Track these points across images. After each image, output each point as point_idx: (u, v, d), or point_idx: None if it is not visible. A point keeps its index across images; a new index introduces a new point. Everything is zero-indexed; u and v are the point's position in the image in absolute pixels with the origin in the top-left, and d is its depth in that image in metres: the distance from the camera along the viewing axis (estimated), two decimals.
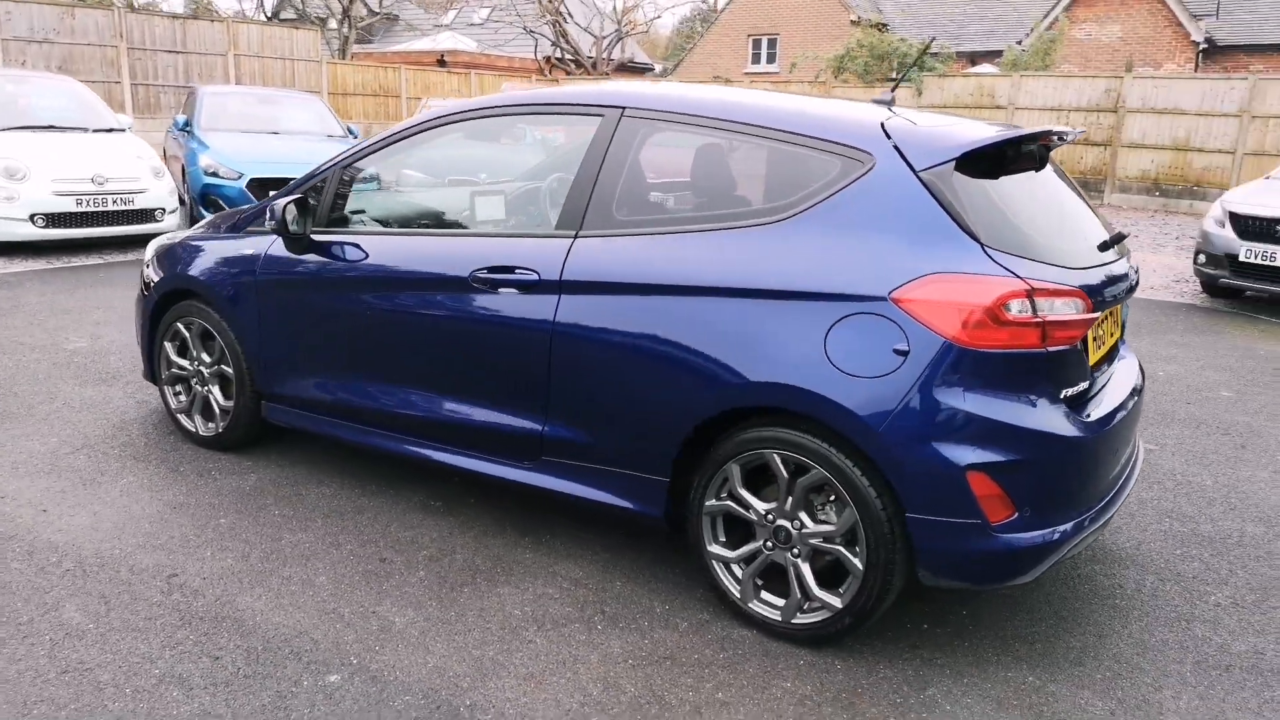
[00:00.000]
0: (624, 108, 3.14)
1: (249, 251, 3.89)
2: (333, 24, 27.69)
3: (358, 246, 3.58)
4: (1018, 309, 2.50)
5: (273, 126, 11.35)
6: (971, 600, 3.12)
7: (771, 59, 32.15)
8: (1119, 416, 2.87)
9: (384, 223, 3.81)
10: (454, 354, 3.35)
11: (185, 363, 4.22)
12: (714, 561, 2.94)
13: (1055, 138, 2.98)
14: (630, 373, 2.95)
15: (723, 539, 2.94)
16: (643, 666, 2.70)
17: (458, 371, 3.36)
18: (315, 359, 3.75)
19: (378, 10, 28.14)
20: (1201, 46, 26.08)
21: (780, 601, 2.85)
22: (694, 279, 2.85)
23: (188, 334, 4.15)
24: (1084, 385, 2.78)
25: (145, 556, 3.23)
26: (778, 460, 2.74)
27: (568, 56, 29.45)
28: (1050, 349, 2.57)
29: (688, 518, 2.97)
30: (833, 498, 2.71)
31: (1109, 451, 2.81)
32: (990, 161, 2.77)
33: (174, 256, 4.20)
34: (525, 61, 30.77)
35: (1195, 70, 25.38)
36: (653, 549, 3.39)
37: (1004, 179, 2.82)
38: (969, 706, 2.57)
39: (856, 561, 2.67)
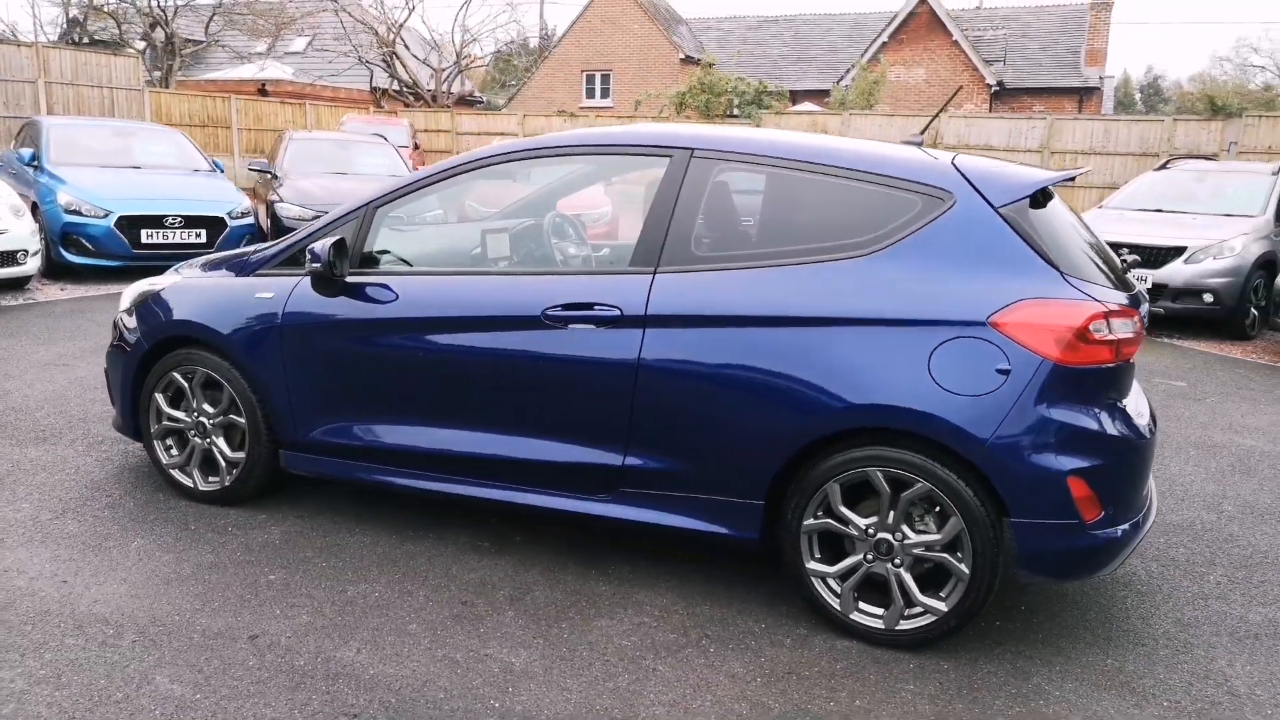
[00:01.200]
0: (693, 149, 3.28)
1: (266, 294, 3.74)
2: (139, 45, 26.00)
3: (404, 287, 3.53)
4: (1098, 329, 2.81)
5: (132, 160, 10.67)
6: (1025, 596, 3.41)
7: (606, 94, 32.87)
8: (1148, 424, 3.24)
9: (428, 262, 3.76)
10: (522, 391, 3.36)
11: (181, 414, 3.97)
12: (813, 578, 3.09)
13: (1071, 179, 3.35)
14: (724, 403, 3.08)
15: (818, 555, 3.10)
16: (773, 683, 2.82)
17: (526, 409, 3.37)
18: (354, 403, 3.65)
19: (203, 37, 26.70)
20: (994, 89, 28.76)
21: (879, 610, 3.03)
22: (785, 310, 3.01)
23: (186, 384, 3.91)
24: (1127, 397, 3.13)
25: (211, 620, 3.05)
26: (880, 477, 2.93)
27: (406, 89, 28.97)
28: (1118, 364, 2.90)
29: (784, 537, 3.11)
30: (937, 508, 2.92)
31: (1151, 455, 3.17)
32: (1037, 198, 3.10)
33: (164, 303, 3.96)
34: (354, 92, 30.02)
35: (990, 110, 27.97)
36: (720, 571, 3.50)
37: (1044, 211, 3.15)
38: (1073, 690, 2.84)
39: (962, 566, 2.89)
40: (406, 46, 29.27)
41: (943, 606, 2.94)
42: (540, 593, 3.32)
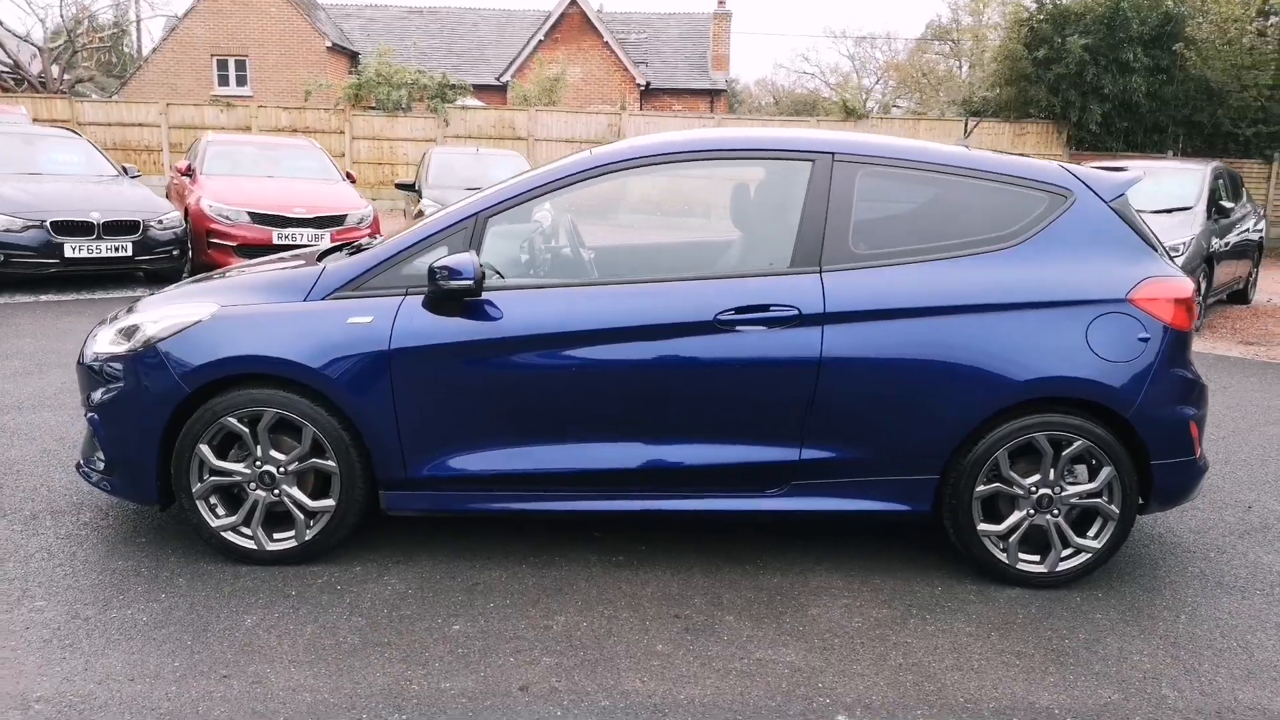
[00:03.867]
0: (834, 153, 3.47)
1: (363, 319, 3.32)
2: None
3: (543, 300, 3.34)
4: (1191, 300, 3.46)
5: (31, 168, 9.67)
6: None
7: (242, 81, 30.24)
8: None
9: (546, 273, 3.54)
10: (690, 397, 3.35)
11: (237, 466, 3.39)
12: (985, 538, 3.45)
13: None
14: (907, 389, 3.34)
15: (981, 516, 3.47)
16: (1010, 632, 3.15)
17: (694, 414, 3.37)
18: (483, 429, 3.38)
19: None
20: (642, 88, 30.75)
21: (1037, 558, 3.47)
22: (953, 300, 3.34)
23: (247, 429, 3.34)
24: None
25: (463, 682, 2.74)
26: (1043, 440, 3.37)
27: (4, 71, 24.53)
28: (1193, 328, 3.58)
29: (955, 506, 3.43)
30: (1093, 460, 3.41)
31: None
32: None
33: (211, 337, 3.34)
34: None
35: (640, 108, 29.89)
36: (856, 548, 3.73)
37: None
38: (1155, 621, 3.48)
39: (1112, 507, 3.42)
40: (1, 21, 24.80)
41: (1096, 544, 3.45)
42: (732, 595, 3.35)
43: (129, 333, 3.48)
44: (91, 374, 3.54)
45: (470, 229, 3.40)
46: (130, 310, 3.76)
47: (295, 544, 3.43)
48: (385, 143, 21.33)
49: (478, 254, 3.35)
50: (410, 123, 21.32)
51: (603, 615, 3.17)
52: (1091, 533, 3.47)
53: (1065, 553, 3.46)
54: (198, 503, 3.41)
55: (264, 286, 3.52)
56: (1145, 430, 3.38)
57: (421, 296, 3.34)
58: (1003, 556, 3.47)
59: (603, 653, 2.93)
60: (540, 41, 29.76)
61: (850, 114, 21.04)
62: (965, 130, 20.26)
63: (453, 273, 3.20)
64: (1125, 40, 19.22)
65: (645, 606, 3.24)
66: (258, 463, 3.39)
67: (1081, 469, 3.48)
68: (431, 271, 3.24)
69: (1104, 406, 3.36)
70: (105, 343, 3.54)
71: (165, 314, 3.47)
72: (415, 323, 3.32)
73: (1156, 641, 3.13)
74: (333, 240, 10.45)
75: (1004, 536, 3.46)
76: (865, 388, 3.34)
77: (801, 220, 3.42)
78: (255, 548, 3.43)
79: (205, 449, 3.37)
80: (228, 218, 9.90)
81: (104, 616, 3.04)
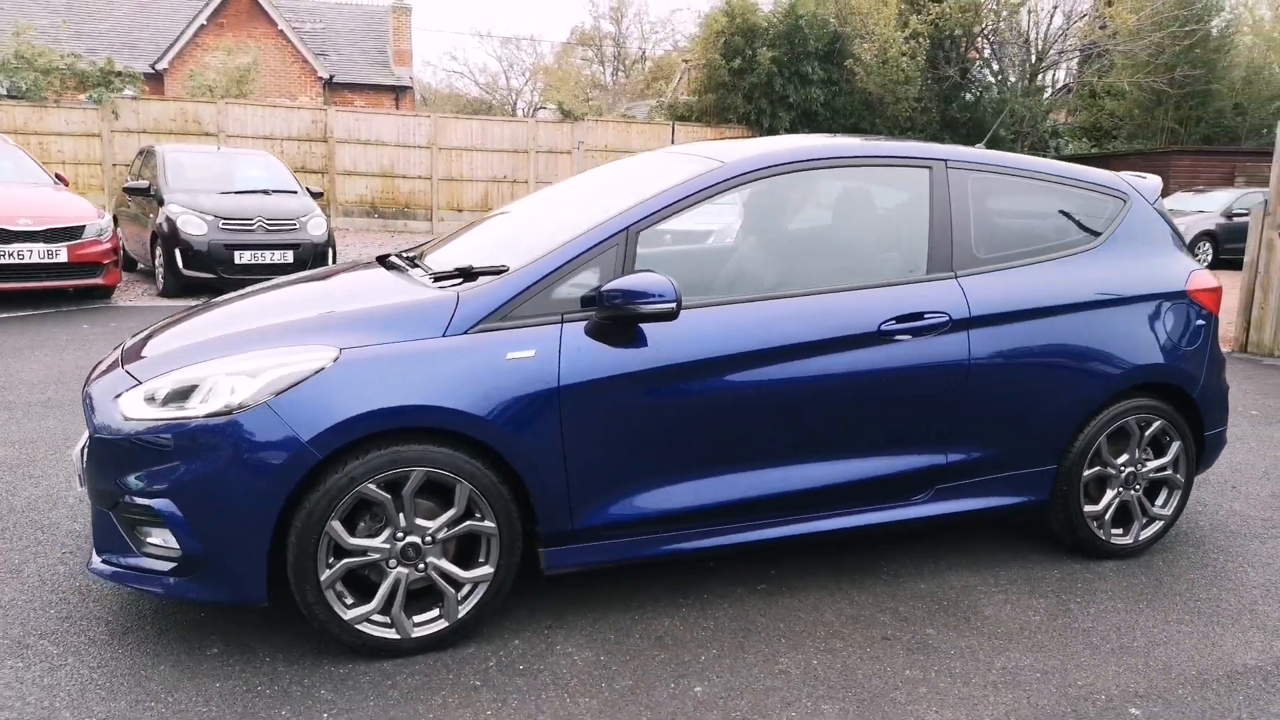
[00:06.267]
0: (946, 160, 3.53)
1: (524, 353, 2.85)
2: None
3: (714, 319, 3.08)
4: (1220, 290, 3.96)
5: None
6: None
7: None
8: None
9: (721, 288, 3.26)
10: (855, 412, 3.27)
11: (374, 541, 2.77)
12: (1088, 519, 3.70)
13: None
14: (1033, 387, 3.50)
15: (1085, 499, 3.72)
16: (1156, 602, 3.41)
17: (858, 429, 3.29)
18: (659, 465, 3.05)
19: None
20: (325, 81, 28.89)
21: (1121, 530, 3.79)
22: (1065, 299, 3.56)
23: (388, 495, 2.74)
24: None
25: None
26: (1133, 422, 3.69)
27: None
28: None
29: (1068, 492, 3.64)
30: (1166, 437, 3.78)
31: None
32: None
33: (340, 389, 2.68)
34: None
35: (324, 103, 28.05)
36: (949, 546, 3.84)
37: None
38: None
39: (1179, 477, 3.82)
40: None
41: (1166, 512, 3.84)
42: (909, 608, 3.31)
43: (183, 394, 2.71)
44: (131, 448, 2.71)
45: (622, 245, 3.04)
46: (146, 358, 2.94)
47: (446, 625, 2.87)
48: (34, 138, 18.10)
49: (628, 271, 3.01)
50: (65, 115, 18.28)
51: (818, 649, 2.99)
52: (1160, 502, 3.85)
53: (1144, 523, 3.81)
54: (327, 594, 2.74)
55: (379, 322, 2.88)
56: (1204, 406, 3.81)
57: (583, 322, 2.93)
58: (1100, 534, 3.74)
59: (870, 690, 2.77)
60: (203, 26, 26.84)
61: (567, 115, 21.26)
62: (672, 138, 21.33)
63: (646, 296, 2.83)
64: (804, 55, 21.30)
65: (846, 633, 3.11)
66: (400, 534, 2.79)
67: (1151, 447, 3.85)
68: (610, 295, 2.85)
69: (1178, 388, 3.74)
70: (148, 407, 2.72)
71: (267, 364, 2.72)
72: (583, 353, 2.91)
73: None
74: (72, 257, 8.83)
75: (1099, 515, 3.73)
76: (1004, 388, 3.45)
77: (932, 226, 3.45)
78: (398, 637, 2.82)
79: (338, 525, 2.71)
80: None
81: None
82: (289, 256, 10.33)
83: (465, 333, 2.86)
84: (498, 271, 3.03)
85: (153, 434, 2.69)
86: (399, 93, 31.24)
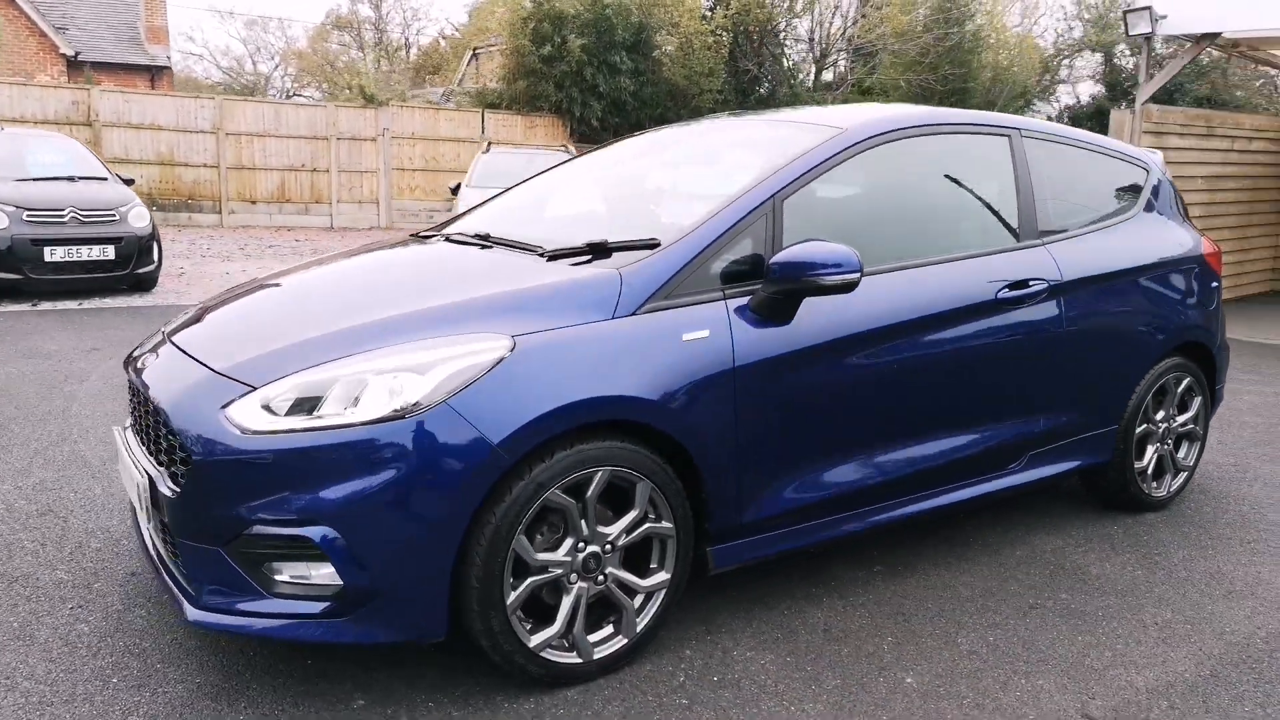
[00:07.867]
0: (1019, 129, 3.55)
1: (699, 333, 2.57)
2: None
3: (877, 286, 2.92)
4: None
5: None
6: None
7: None
8: None
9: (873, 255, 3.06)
10: (979, 382, 3.23)
11: (557, 555, 2.40)
12: (1139, 476, 3.86)
13: None
14: (1108, 350, 3.60)
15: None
16: (1210, 559, 3.60)
17: (978, 399, 3.25)
18: (819, 448, 2.86)
19: None
20: (69, 59, 25.79)
21: (1157, 483, 3.99)
22: (1127, 263, 3.68)
23: (572, 502, 2.38)
24: None
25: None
26: (1172, 380, 3.89)
27: None
28: None
29: (1124, 450, 3.76)
30: (1197, 396, 4.00)
31: None
32: None
33: (525, 382, 2.29)
34: None
35: (68, 80, 25.03)
36: (989, 516, 3.89)
37: None
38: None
39: (1199, 429, 4.07)
40: None
41: (1189, 463, 4.08)
42: (1024, 575, 3.30)
43: (316, 399, 2.23)
44: (261, 467, 2.19)
45: (770, 214, 2.80)
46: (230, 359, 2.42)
47: (625, 641, 2.54)
48: None
49: (779, 242, 2.79)
50: None
51: (982, 624, 2.92)
52: (1182, 453, 4.09)
53: (1173, 475, 4.03)
54: (511, 619, 2.34)
55: (537, 303, 2.49)
56: (1220, 362, 4.08)
57: (745, 298, 2.68)
58: (1144, 487, 3.92)
59: (1065, 660, 2.72)
60: None
61: (370, 100, 20.13)
62: (482, 126, 20.73)
63: (827, 266, 2.62)
64: (613, 45, 21.30)
65: (994, 607, 3.05)
66: (581, 544, 2.43)
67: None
68: (785, 266, 2.62)
69: (1204, 346, 3.98)
70: (274, 417, 2.22)
71: (433, 357, 2.27)
72: (752, 330, 2.66)
73: None
74: None
75: (1144, 471, 3.90)
76: (1087, 353, 3.52)
77: (1018, 194, 3.45)
78: (580, 660, 2.47)
79: (525, 540, 2.32)
80: None
81: None
82: (109, 252, 9.00)
83: (633, 313, 2.53)
84: (640, 246, 2.71)
85: (294, 448, 2.18)
86: (155, 73, 28.39)
